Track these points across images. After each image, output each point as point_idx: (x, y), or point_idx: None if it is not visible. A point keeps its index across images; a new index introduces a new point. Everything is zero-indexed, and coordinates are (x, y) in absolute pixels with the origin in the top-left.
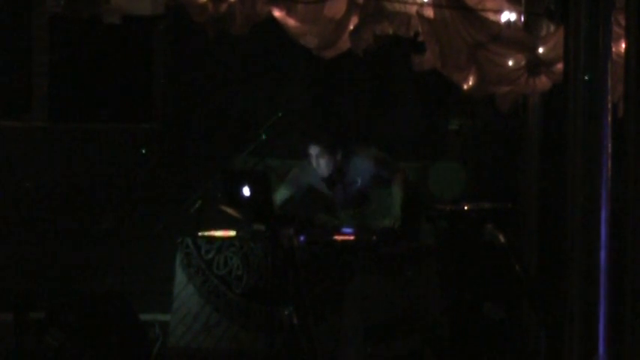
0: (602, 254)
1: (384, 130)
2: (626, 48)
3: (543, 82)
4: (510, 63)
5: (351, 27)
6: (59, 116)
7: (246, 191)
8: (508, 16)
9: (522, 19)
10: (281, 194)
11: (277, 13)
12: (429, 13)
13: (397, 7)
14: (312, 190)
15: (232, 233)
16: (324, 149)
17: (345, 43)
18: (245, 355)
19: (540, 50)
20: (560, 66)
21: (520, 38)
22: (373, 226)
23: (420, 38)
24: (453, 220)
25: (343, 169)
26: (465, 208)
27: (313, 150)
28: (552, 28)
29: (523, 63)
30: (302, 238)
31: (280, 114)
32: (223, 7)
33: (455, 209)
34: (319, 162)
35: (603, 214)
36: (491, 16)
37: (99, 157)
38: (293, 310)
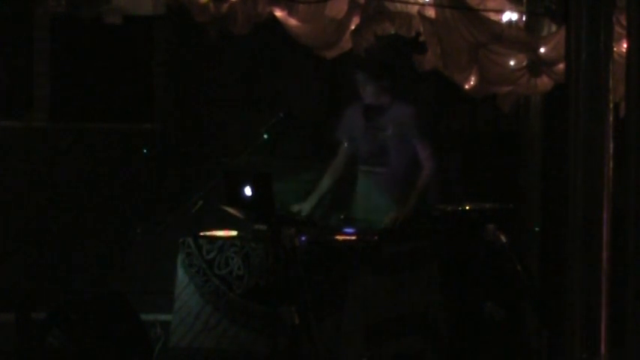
0: (604, 254)
1: None
2: (627, 48)
3: (545, 82)
4: (512, 63)
5: (353, 27)
6: (60, 116)
7: (247, 191)
8: (509, 16)
9: (524, 19)
10: (342, 151)
11: (278, 13)
12: (431, 13)
13: (399, 7)
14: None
15: (234, 233)
16: (369, 73)
17: (346, 43)
18: (246, 355)
19: (542, 50)
20: (561, 66)
21: (521, 38)
22: (375, 222)
23: (422, 38)
24: (454, 221)
25: (384, 104)
26: (467, 208)
27: (360, 76)
28: (553, 28)
29: (524, 63)
30: (303, 238)
31: (282, 114)
32: (225, 7)
33: (456, 209)
34: (366, 88)
35: (605, 214)
36: (493, 16)
37: (99, 157)
38: (294, 311)
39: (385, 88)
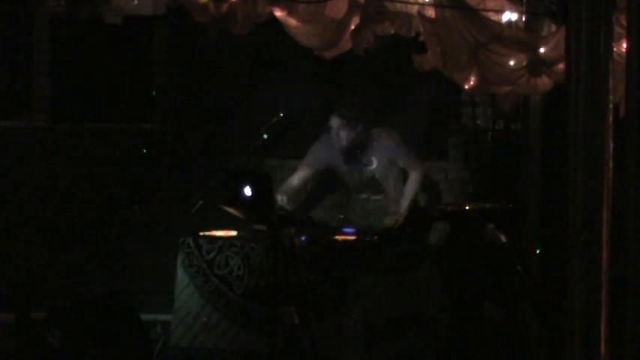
0: (604, 254)
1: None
2: (627, 48)
3: (544, 82)
4: (511, 63)
5: (353, 27)
6: (60, 116)
7: (247, 191)
8: (509, 16)
9: (523, 19)
10: (300, 174)
11: (278, 13)
12: (431, 13)
13: (398, 7)
14: (329, 170)
15: (233, 233)
16: (345, 121)
17: (346, 43)
18: (246, 355)
19: (541, 50)
20: (561, 66)
21: (521, 38)
22: (375, 223)
23: (422, 38)
24: (454, 221)
25: (362, 144)
26: (467, 208)
27: (334, 122)
28: (553, 28)
29: (524, 63)
30: (303, 238)
31: (281, 114)
32: (224, 7)
33: (456, 209)
34: (339, 134)
35: (604, 214)
36: (493, 16)
37: (99, 157)
38: (294, 311)
39: (360, 132)
